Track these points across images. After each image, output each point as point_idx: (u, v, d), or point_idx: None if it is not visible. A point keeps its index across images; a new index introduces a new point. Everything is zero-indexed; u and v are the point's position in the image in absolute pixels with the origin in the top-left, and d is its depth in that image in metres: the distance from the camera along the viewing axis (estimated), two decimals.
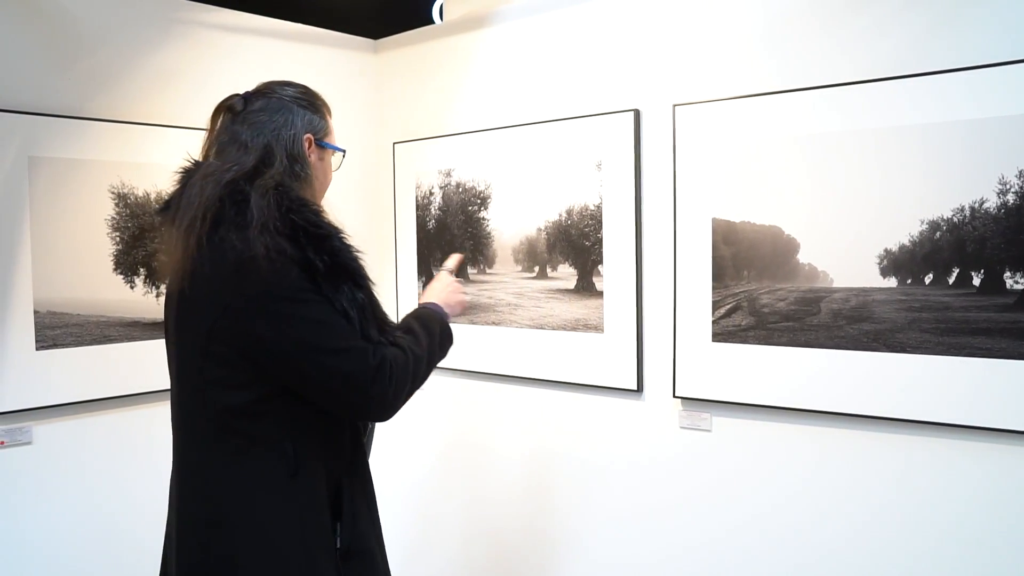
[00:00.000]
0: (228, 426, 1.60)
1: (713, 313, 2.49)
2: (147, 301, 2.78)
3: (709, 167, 2.48)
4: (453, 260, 2.18)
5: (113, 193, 2.69)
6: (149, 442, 2.82)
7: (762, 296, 2.41)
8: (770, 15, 2.38)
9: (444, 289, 2.01)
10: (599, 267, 2.75)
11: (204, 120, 2.87)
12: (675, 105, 2.54)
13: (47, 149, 2.56)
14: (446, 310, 1.94)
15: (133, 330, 2.75)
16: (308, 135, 1.75)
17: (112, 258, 2.70)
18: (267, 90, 1.79)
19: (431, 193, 3.24)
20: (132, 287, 2.75)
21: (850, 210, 2.25)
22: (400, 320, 1.88)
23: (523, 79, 2.98)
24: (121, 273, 2.72)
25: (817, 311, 2.31)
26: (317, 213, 1.64)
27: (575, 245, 2.81)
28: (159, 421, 2.81)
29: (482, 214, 3.07)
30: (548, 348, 2.89)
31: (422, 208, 3.28)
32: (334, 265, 1.60)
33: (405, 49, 3.39)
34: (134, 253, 2.75)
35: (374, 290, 1.70)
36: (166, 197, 1.80)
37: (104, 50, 2.71)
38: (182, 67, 2.88)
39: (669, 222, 2.58)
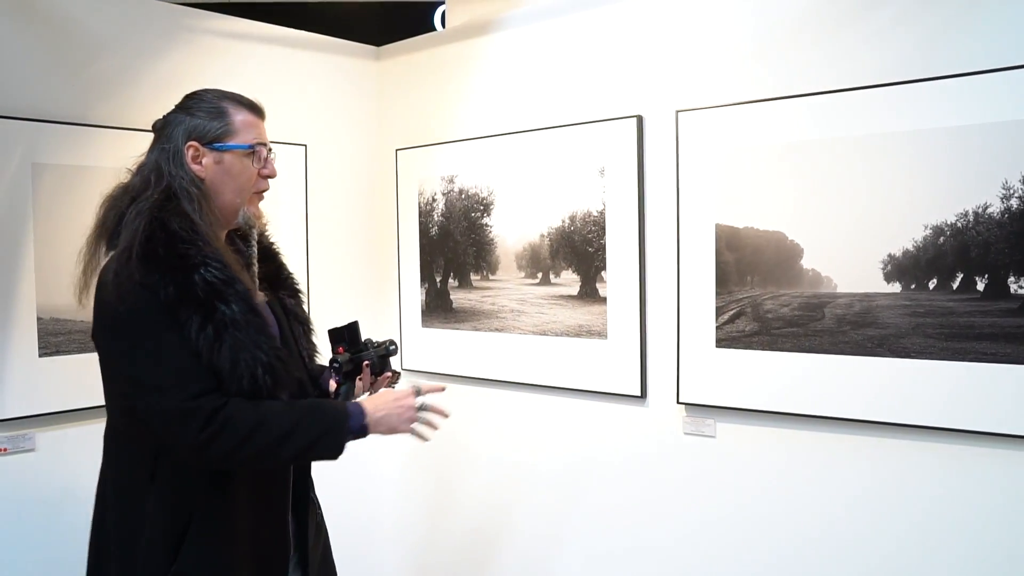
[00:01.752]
0: (114, 426, 1.72)
1: (717, 319, 2.48)
2: None
3: (712, 173, 2.48)
4: (431, 392, 1.99)
5: None
6: None
7: (766, 302, 2.40)
8: (774, 20, 2.38)
9: (392, 405, 1.83)
10: (602, 273, 2.74)
11: None
12: (678, 111, 2.53)
13: (51, 156, 2.55)
14: (370, 424, 1.77)
15: None
16: (191, 142, 1.74)
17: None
18: (179, 103, 1.82)
19: (434, 200, 3.23)
20: None
21: (854, 215, 2.24)
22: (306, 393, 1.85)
23: (526, 86, 2.97)
24: None
25: (821, 316, 2.31)
26: (184, 239, 1.61)
27: (578, 251, 2.80)
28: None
29: (485, 220, 3.06)
30: (551, 354, 2.88)
31: (425, 215, 3.27)
32: (182, 295, 1.57)
33: (407, 56, 3.39)
34: None
35: (242, 324, 1.61)
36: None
37: (109, 57, 2.71)
38: (187, 74, 2.87)
39: (672, 228, 2.58)
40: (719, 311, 2.48)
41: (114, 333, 1.63)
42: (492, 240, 3.04)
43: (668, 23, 2.60)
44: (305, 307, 2.09)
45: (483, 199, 3.06)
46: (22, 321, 2.52)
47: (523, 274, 2.95)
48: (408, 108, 3.38)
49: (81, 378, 2.61)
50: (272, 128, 3.07)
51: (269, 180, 1.84)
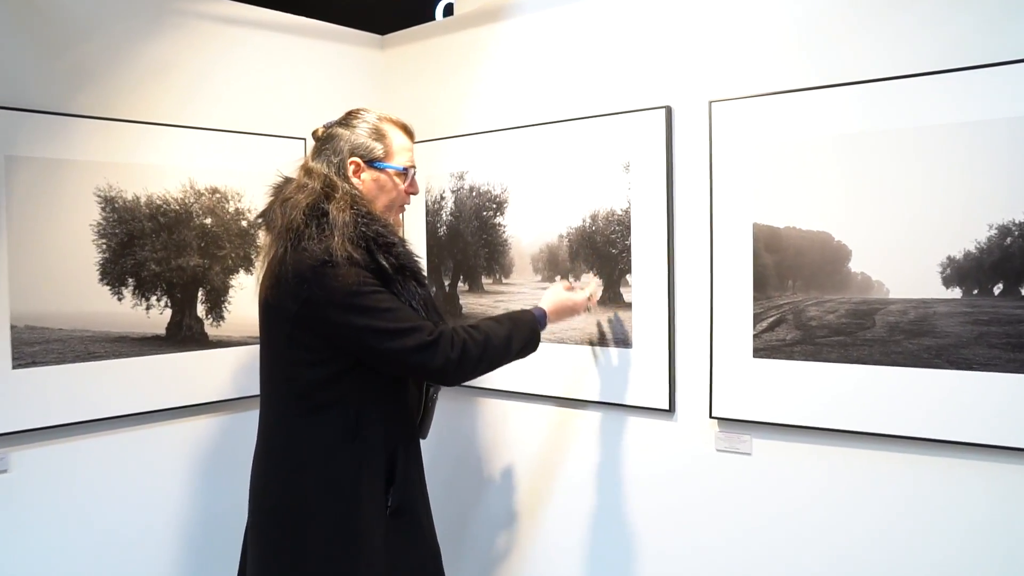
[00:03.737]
0: (306, 395, 1.97)
1: (754, 326, 2.29)
2: (136, 314, 2.57)
3: (749, 168, 2.29)
4: (591, 287, 2.46)
5: (99, 196, 2.48)
6: (138, 469, 2.61)
7: (809, 308, 2.21)
8: (816, 1, 2.19)
9: (567, 309, 2.35)
10: (627, 277, 2.55)
11: (201, 119, 2.71)
12: (711, 101, 2.35)
13: (26, 148, 2.35)
14: (551, 316, 2.29)
15: (120, 346, 2.53)
16: (354, 159, 2.07)
17: (98, 267, 2.49)
18: (342, 118, 2.14)
19: (442, 198, 3.04)
20: (120, 299, 2.53)
21: (908, 214, 2.06)
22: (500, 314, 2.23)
23: (543, 75, 2.78)
24: (108, 284, 2.51)
25: (871, 324, 2.12)
26: (384, 225, 1.99)
27: (601, 253, 2.61)
28: (149, 445, 2.63)
29: (498, 220, 2.87)
30: (571, 364, 2.70)
31: (432, 214, 3.08)
32: (400, 266, 1.97)
33: (414, 45, 3.19)
34: (122, 262, 2.53)
35: (432, 290, 2.06)
36: (260, 209, 2.16)
37: (90, 41, 2.50)
38: (176, 61, 2.68)
39: (705, 228, 2.39)
40: (757, 318, 2.29)
41: (349, 308, 1.89)
42: (506, 241, 2.85)
43: (699, 4, 2.41)
44: None
45: (496, 197, 2.86)
46: None
47: (540, 277, 2.76)
48: (415, 100, 3.18)
49: (61, 391, 2.43)
50: (268, 121, 2.91)
51: (412, 197, 2.21)
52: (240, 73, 2.84)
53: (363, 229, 1.94)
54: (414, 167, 2.16)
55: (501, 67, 2.90)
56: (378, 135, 2.10)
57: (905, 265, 2.07)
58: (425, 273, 2.05)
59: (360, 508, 1.98)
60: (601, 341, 2.63)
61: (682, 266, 2.46)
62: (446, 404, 2.96)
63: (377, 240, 1.95)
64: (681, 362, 2.47)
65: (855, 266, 2.14)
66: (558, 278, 2.55)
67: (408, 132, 2.17)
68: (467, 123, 3.00)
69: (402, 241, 2.02)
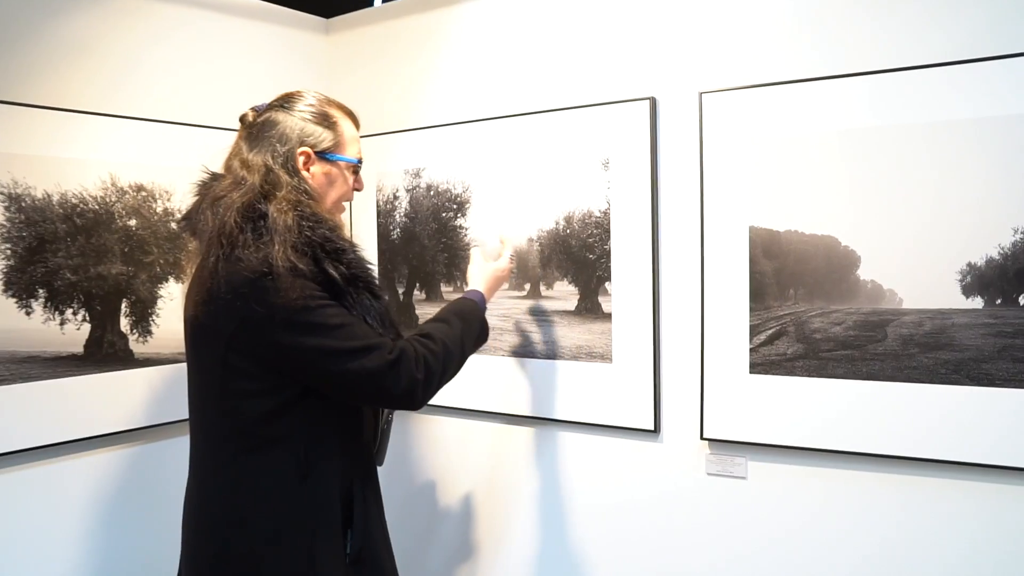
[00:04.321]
0: (246, 431, 1.71)
1: (751, 339, 2.10)
2: (48, 331, 2.23)
3: (746, 167, 2.10)
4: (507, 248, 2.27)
5: (2, 194, 2.14)
6: (51, 509, 2.27)
7: (813, 319, 2.02)
8: None
9: (494, 279, 2.17)
10: (606, 284, 2.33)
11: (124, 106, 2.39)
12: (702, 93, 2.15)
13: None
14: (487, 295, 2.12)
15: (31, 368, 2.20)
16: (304, 149, 1.80)
17: (1, 277, 2.15)
18: (279, 101, 1.86)
19: (395, 197, 2.77)
20: (29, 313, 2.19)
21: (924, 216, 1.89)
22: (440, 311, 2.01)
23: (510, 62, 2.54)
24: (14, 296, 2.17)
25: (882, 337, 1.94)
26: (332, 228, 1.73)
27: (576, 258, 2.38)
28: (65, 481, 2.29)
29: (459, 222, 2.62)
30: (542, 380, 2.47)
31: (384, 215, 2.81)
32: (351, 276, 1.71)
33: (363, 28, 2.92)
34: (31, 270, 2.19)
35: (386, 299, 1.81)
36: (184, 210, 1.90)
37: None
38: (95, 39, 2.35)
39: (695, 231, 2.19)
40: (754, 330, 2.09)
41: (295, 327, 1.64)
42: (468, 245, 2.61)
43: None
44: None
45: (456, 196, 2.62)
46: None
47: (506, 285, 2.51)
48: (365, 89, 2.91)
49: (22, 412, 2.15)
50: (201, 110, 2.59)
51: (356, 192, 1.98)
52: (169, 56, 2.52)
53: (308, 234, 1.68)
54: (361, 159, 1.94)
55: (463, 53, 2.65)
56: (327, 122, 1.84)
57: (920, 272, 1.90)
58: (377, 283, 1.82)
59: (315, 558, 1.73)
60: (526, 351, 2.46)
61: (669, 273, 2.25)
62: (397, 425, 2.70)
63: (325, 246, 1.69)
64: (668, 378, 2.27)
65: (864, 273, 1.96)
66: (473, 247, 2.32)
67: (355, 120, 1.94)
68: (424, 115, 2.74)
69: (352, 246, 1.76)
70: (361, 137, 2.83)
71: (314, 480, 1.74)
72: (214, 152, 2.31)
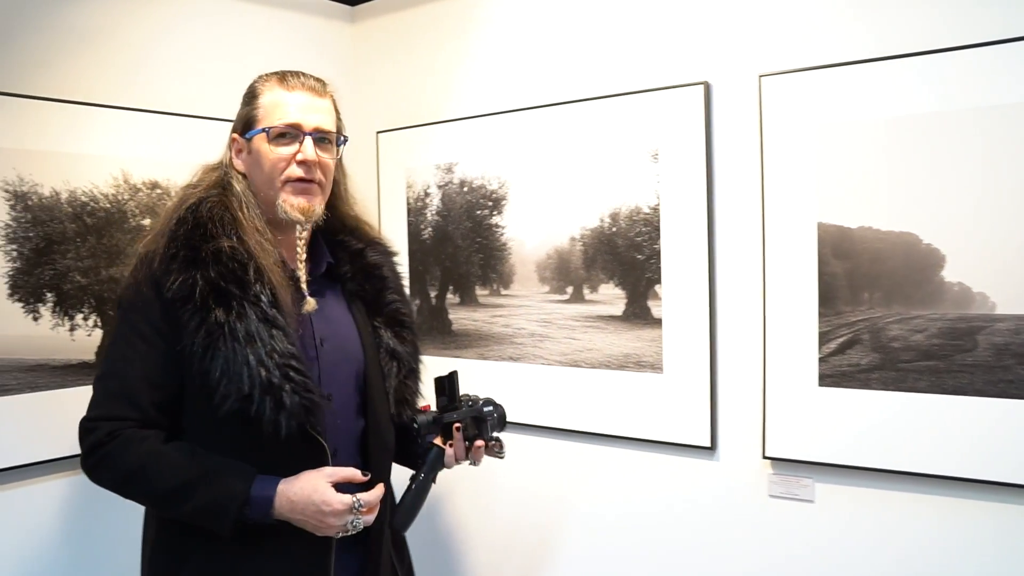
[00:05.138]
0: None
1: (820, 348, 1.90)
2: (57, 337, 2.09)
3: (812, 157, 1.91)
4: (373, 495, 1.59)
5: (8, 191, 2.00)
6: (60, 526, 2.12)
7: (891, 326, 1.82)
8: None
9: (313, 511, 1.51)
10: (656, 287, 2.14)
11: (137, 99, 2.23)
12: (761, 76, 1.96)
13: None
14: (282, 507, 1.51)
15: (38, 376, 2.05)
16: (232, 134, 1.67)
17: (7, 280, 2.01)
18: None
19: (427, 194, 2.61)
20: (36, 318, 2.05)
21: (1019, 212, 1.68)
22: (203, 460, 1.55)
23: (549, 47, 2.37)
24: (20, 300, 2.03)
25: (972, 346, 1.75)
26: (206, 234, 1.53)
27: (623, 259, 2.20)
28: (75, 495, 2.14)
29: (495, 220, 2.46)
30: (587, 391, 2.29)
31: (415, 213, 2.64)
32: (185, 294, 1.49)
33: (390, 16, 2.77)
34: (39, 273, 2.05)
35: (243, 335, 1.48)
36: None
37: None
38: (107, 28, 2.21)
39: (755, 228, 2.00)
40: (823, 338, 1.90)
41: (113, 322, 1.62)
42: (504, 245, 2.44)
43: None
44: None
45: (492, 193, 2.45)
46: None
47: (547, 288, 2.34)
48: (392, 80, 2.76)
49: (30, 424, 2.02)
50: (218, 102, 2.42)
51: (305, 166, 1.61)
52: (186, 46, 2.38)
53: (185, 225, 1.54)
54: (292, 123, 1.60)
55: (497, 38, 2.48)
56: (249, 98, 1.66)
57: (1016, 273, 1.69)
58: (258, 292, 1.51)
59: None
60: (569, 359, 2.27)
61: (726, 275, 2.06)
62: None
63: (188, 242, 1.52)
64: (725, 390, 2.07)
65: (950, 275, 1.76)
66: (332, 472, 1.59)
67: (283, 80, 1.64)
68: (456, 106, 2.58)
69: (231, 247, 1.52)
70: (387, 132, 2.72)
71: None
72: None
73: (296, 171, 1.59)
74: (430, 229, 2.62)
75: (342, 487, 1.53)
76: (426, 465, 1.71)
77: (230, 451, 1.53)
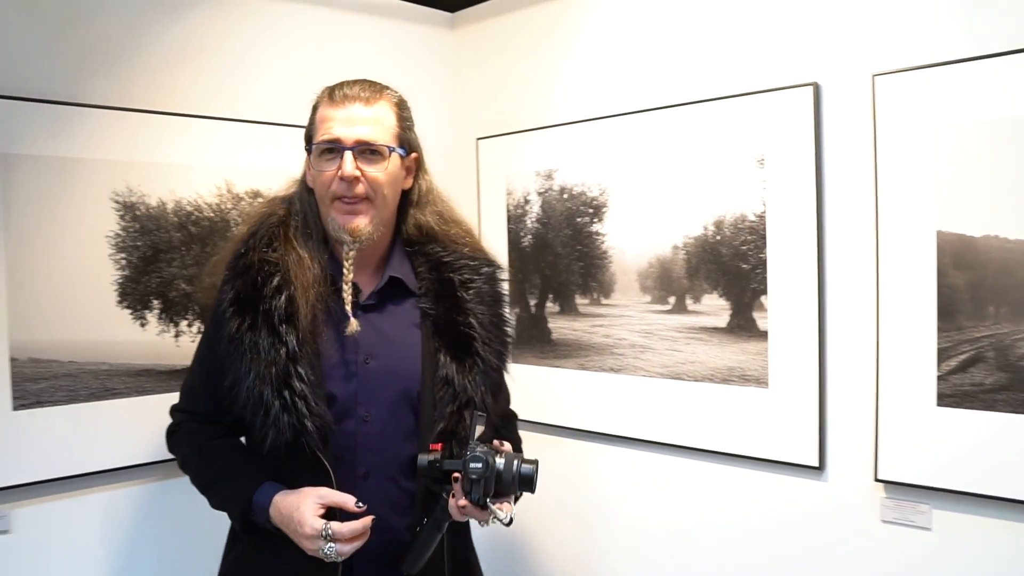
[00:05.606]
0: None
1: (939, 366, 1.77)
2: (163, 343, 2.14)
3: (929, 160, 1.78)
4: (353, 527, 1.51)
5: (117, 202, 2.07)
6: (166, 527, 2.19)
7: (1020, 343, 1.69)
8: None
9: (292, 523, 1.50)
10: (762, 298, 2.05)
11: (240, 109, 2.27)
12: (875, 75, 1.84)
13: (28, 145, 1.94)
14: (274, 515, 1.53)
15: (145, 381, 2.12)
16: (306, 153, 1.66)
17: (116, 287, 2.07)
18: None
19: (527, 201, 2.58)
20: (143, 325, 2.12)
21: None
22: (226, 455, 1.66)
23: (650, 49, 2.29)
24: (128, 307, 2.09)
25: None
26: (254, 246, 1.59)
27: (727, 269, 2.11)
28: (182, 497, 2.19)
29: (595, 227, 2.40)
30: (688, 405, 2.21)
31: (515, 220, 2.61)
32: (227, 304, 1.56)
33: (490, 21, 2.74)
34: (146, 280, 2.12)
35: (249, 349, 1.52)
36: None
37: (104, 16, 2.09)
38: (210, 40, 2.26)
39: (868, 237, 1.88)
40: (943, 355, 1.77)
41: None
42: (605, 253, 2.38)
43: None
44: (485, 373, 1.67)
45: (592, 200, 2.40)
46: None
47: (649, 298, 2.27)
48: (492, 86, 2.74)
49: (72, 436, 2.05)
50: None
51: (345, 183, 1.56)
52: (286, 55, 2.41)
53: (252, 226, 1.64)
54: (332, 139, 1.56)
55: (597, 42, 2.42)
56: (312, 112, 1.66)
57: None
58: (268, 309, 1.52)
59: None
60: (670, 372, 2.14)
61: (836, 286, 1.95)
62: (548, 451, 2.48)
63: (238, 256, 1.60)
64: (834, 408, 1.96)
65: None
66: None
67: (331, 95, 1.61)
68: (556, 112, 2.53)
69: (270, 261, 1.56)
70: (487, 138, 2.70)
71: None
72: None
73: (339, 188, 1.56)
74: (530, 236, 2.58)
75: (342, 514, 1.50)
76: (435, 512, 1.56)
77: (257, 456, 1.58)
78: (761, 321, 2.05)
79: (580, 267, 2.44)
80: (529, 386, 2.57)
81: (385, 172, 1.58)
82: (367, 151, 1.56)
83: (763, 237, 2.04)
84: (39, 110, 1.95)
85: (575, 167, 2.45)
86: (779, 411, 2.03)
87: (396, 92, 1.68)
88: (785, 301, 2.01)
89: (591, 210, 2.40)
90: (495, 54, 2.73)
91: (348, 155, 1.54)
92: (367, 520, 1.49)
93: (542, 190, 2.53)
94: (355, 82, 1.62)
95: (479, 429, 1.51)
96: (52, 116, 1.97)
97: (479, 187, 2.73)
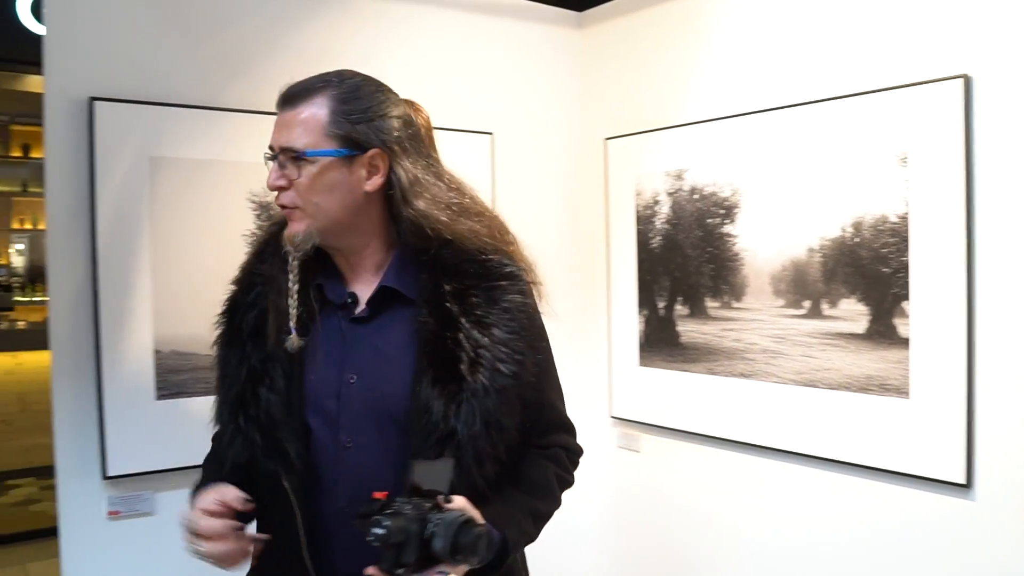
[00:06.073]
0: None
1: None
2: None
3: None
4: None
5: (253, 202, 2.16)
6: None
7: None
8: None
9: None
10: (903, 304, 1.94)
11: None
12: None
13: (172, 148, 2.05)
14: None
15: None
16: None
17: None
18: None
19: (656, 202, 2.53)
20: None
21: None
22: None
23: (783, 44, 2.22)
24: None
25: None
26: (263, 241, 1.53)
27: (867, 272, 2.02)
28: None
29: (727, 228, 2.34)
30: (822, 414, 2.12)
31: (644, 221, 2.57)
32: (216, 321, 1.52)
33: (618, 20, 2.71)
34: None
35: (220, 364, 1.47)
36: None
37: (242, 25, 2.20)
38: (333, 46, 2.35)
39: (1022, 240, 1.74)
40: None
41: None
42: (737, 255, 2.31)
43: None
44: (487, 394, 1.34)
45: (724, 200, 2.33)
46: (136, 355, 2.05)
47: (782, 302, 2.20)
48: (620, 85, 2.71)
49: (207, 427, 2.08)
50: (447, 113, 2.46)
51: (275, 192, 1.42)
52: (413, 58, 2.46)
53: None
54: (270, 150, 1.43)
55: (728, 39, 2.35)
56: None
57: None
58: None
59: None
60: (804, 379, 2.04)
61: (987, 291, 1.83)
62: (653, 453, 2.43)
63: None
64: (984, 421, 1.83)
65: None
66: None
67: (280, 97, 1.46)
68: (686, 110, 2.48)
69: (259, 272, 1.47)
70: (616, 138, 2.68)
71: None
72: (464, 156, 2.21)
73: (278, 199, 1.42)
74: (659, 238, 2.53)
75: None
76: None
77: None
78: (902, 328, 1.95)
79: (711, 269, 2.38)
80: (656, 390, 2.53)
81: (311, 177, 1.38)
82: (292, 157, 1.38)
83: (905, 240, 1.93)
84: (182, 115, 2.06)
85: (706, 167, 2.38)
86: (922, 423, 1.91)
87: (351, 80, 1.46)
88: (929, 307, 1.90)
89: (722, 211, 2.33)
90: (623, 53, 2.70)
91: (272, 165, 1.41)
92: (226, 523, 1.32)
93: (672, 190, 2.48)
94: (298, 82, 1.45)
95: (442, 478, 1.21)
96: (194, 120, 2.08)
97: (607, 188, 2.71)
